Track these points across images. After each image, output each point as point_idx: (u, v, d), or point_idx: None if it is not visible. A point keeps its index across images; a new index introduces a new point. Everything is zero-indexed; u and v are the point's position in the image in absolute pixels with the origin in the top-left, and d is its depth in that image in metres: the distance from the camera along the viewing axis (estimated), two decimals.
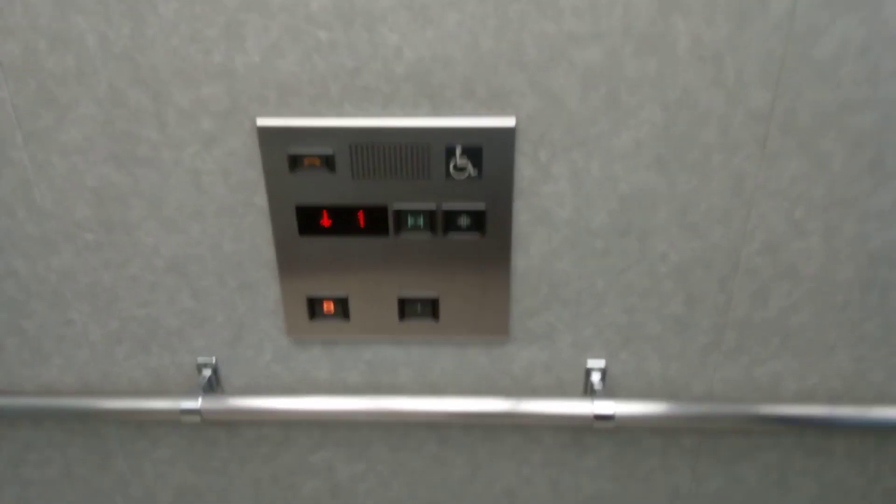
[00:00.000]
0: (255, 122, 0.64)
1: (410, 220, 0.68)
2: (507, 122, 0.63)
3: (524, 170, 0.67)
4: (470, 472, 0.90)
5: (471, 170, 0.65)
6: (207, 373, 0.81)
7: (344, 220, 0.68)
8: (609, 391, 0.81)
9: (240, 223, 0.71)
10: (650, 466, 0.89)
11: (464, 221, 0.69)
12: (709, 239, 0.70)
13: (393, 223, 0.69)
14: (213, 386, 0.81)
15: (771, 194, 0.67)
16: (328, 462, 0.89)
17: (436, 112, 0.64)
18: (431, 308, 0.75)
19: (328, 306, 0.75)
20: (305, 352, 0.80)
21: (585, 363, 0.80)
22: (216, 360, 0.81)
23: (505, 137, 0.64)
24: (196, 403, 0.77)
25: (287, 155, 0.65)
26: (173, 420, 0.79)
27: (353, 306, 0.75)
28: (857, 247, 0.70)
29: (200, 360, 0.80)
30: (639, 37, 0.60)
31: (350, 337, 0.77)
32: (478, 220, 0.68)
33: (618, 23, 0.59)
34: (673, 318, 0.76)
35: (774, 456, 0.87)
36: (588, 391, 0.80)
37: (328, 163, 0.65)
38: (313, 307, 0.75)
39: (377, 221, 0.68)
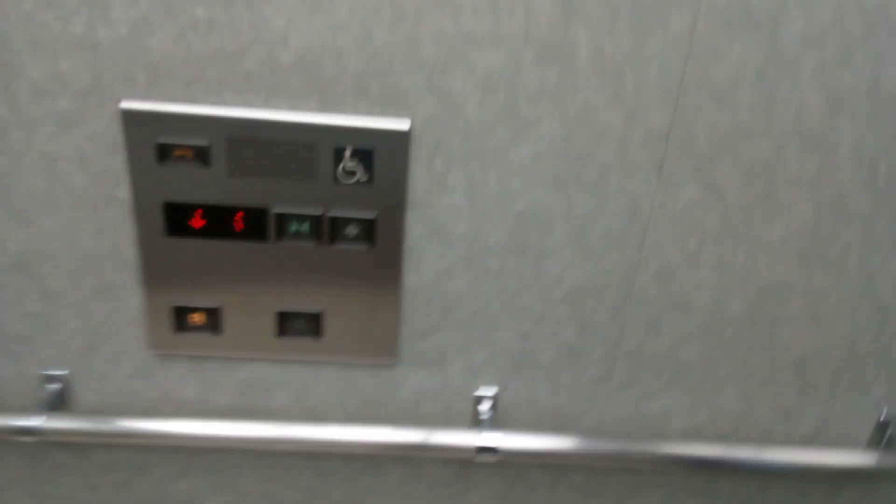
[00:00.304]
0: (119, 104, 0.58)
1: (293, 226, 0.63)
2: (402, 124, 0.60)
3: (419, 178, 0.63)
4: None
5: (361, 174, 0.61)
6: (55, 387, 0.71)
7: (218, 222, 0.62)
8: (499, 422, 0.78)
9: (100, 218, 0.63)
10: (536, 502, 0.85)
11: (352, 231, 0.64)
12: (603, 264, 0.69)
13: (274, 228, 0.63)
14: (61, 402, 0.72)
15: (666, 221, 0.66)
16: (191, 492, 0.81)
17: (325, 108, 0.59)
18: (314, 324, 0.69)
19: (197, 318, 0.68)
20: (170, 368, 0.72)
21: (475, 391, 0.76)
22: (67, 373, 0.72)
23: (399, 141, 0.60)
24: (37, 421, 0.68)
25: (155, 144, 0.59)
26: (11, 440, 0.70)
27: (227, 319, 0.68)
28: (747, 280, 0.70)
29: (48, 371, 0.71)
30: (540, 43, 0.58)
31: (222, 353, 0.70)
32: (367, 230, 0.64)
33: (519, 26, 0.57)
34: (566, 346, 0.73)
35: (660, 495, 0.85)
36: (476, 421, 0.76)
37: (202, 156, 0.59)
38: (180, 318, 0.68)
39: (256, 225, 0.63)
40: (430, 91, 0.59)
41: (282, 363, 0.73)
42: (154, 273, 0.65)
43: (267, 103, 0.59)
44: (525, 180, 0.64)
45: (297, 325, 0.69)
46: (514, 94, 0.60)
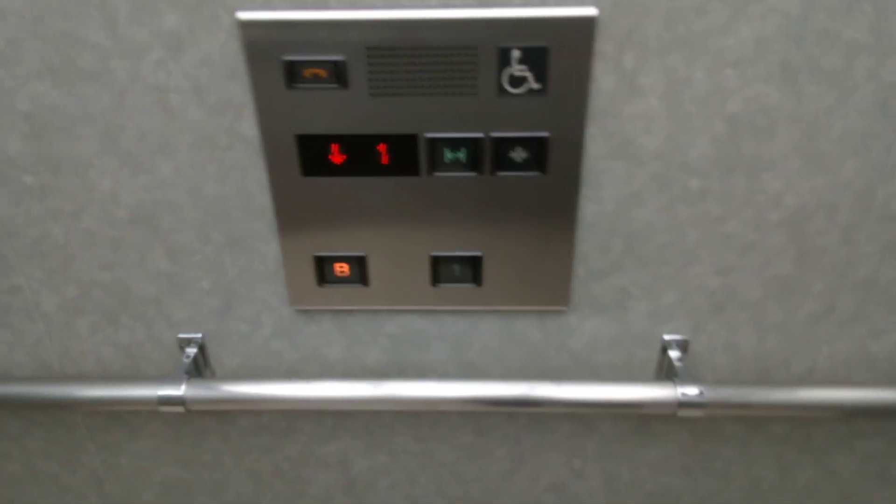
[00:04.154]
0: (235, 15, 0.47)
1: (448, 155, 0.51)
2: (586, 10, 0.46)
3: (603, 81, 0.49)
4: (511, 466, 0.75)
5: (532, 81, 0.48)
6: (192, 351, 0.65)
7: (360, 155, 0.51)
8: (688, 372, 0.65)
9: (223, 159, 0.54)
10: (728, 457, 0.74)
11: (519, 155, 0.52)
12: (838, 175, 0.53)
13: (425, 158, 0.52)
14: (199, 367, 0.66)
15: None
16: (342, 454, 0.74)
17: None
18: (473, 269, 0.58)
19: (341, 268, 0.59)
20: (313, 324, 0.64)
21: (662, 337, 0.63)
22: (202, 336, 0.65)
23: (581, 34, 0.46)
24: (178, 390, 0.61)
25: (282, 62, 0.48)
26: (153, 409, 0.64)
27: (374, 268, 0.58)
28: None
29: (183, 335, 0.64)
30: None
31: (370, 306, 0.61)
32: (538, 154, 0.51)
33: None
34: (778, 280, 0.59)
35: (877, 445, 0.72)
36: (664, 371, 0.65)
37: (339, 74, 0.48)
38: (323, 269, 0.59)
39: (405, 156, 0.52)
40: None
41: (435, 314, 0.63)
42: (291, 220, 0.55)
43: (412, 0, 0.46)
44: (742, 73, 0.49)
45: (453, 272, 0.59)
46: None
